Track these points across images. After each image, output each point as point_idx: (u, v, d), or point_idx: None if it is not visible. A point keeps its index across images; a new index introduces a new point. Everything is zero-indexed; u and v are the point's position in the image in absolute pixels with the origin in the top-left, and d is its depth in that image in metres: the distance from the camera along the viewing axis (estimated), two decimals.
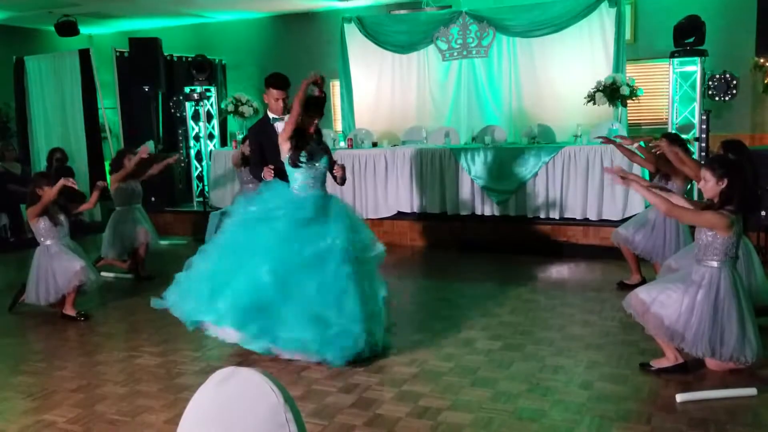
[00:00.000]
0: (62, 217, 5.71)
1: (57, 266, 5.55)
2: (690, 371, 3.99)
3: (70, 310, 5.60)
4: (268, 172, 4.79)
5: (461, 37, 9.20)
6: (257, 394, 1.42)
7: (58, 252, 5.60)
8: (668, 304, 3.89)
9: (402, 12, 9.94)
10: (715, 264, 3.83)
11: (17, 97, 10.39)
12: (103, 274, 6.57)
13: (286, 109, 4.98)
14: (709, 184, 3.87)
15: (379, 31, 9.69)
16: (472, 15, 9.12)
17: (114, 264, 7.05)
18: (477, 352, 4.51)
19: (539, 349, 4.54)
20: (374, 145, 8.88)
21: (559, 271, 6.80)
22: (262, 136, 5.03)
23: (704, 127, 7.70)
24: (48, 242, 5.63)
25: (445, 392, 3.88)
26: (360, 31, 9.75)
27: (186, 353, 4.68)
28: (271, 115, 5.11)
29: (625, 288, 5.65)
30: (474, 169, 7.96)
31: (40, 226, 5.61)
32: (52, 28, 10.86)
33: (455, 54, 9.31)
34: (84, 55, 9.72)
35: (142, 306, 5.97)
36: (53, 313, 5.70)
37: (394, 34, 9.61)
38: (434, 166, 8.17)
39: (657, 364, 4.05)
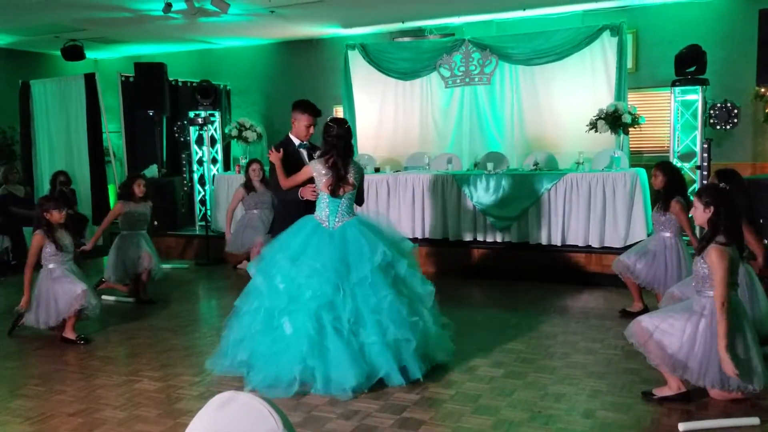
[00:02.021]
0: (68, 242, 5.70)
1: (58, 289, 5.53)
2: (692, 400, 3.96)
3: (70, 334, 5.58)
4: (309, 192, 4.83)
5: (464, 65, 9.28)
6: (256, 419, 1.42)
7: (60, 276, 5.59)
8: (671, 332, 3.87)
9: (405, 39, 10.04)
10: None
11: (22, 121, 10.46)
12: (104, 297, 6.57)
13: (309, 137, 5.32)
14: (697, 212, 3.95)
15: (382, 58, 9.78)
16: (475, 43, 9.21)
17: (115, 288, 7.04)
18: (479, 379, 4.47)
19: (541, 376, 4.51)
20: (377, 170, 8.91)
21: (561, 298, 6.77)
22: (287, 157, 5.11)
23: (705, 155, 7.73)
24: (51, 266, 5.62)
25: (445, 420, 3.84)
26: (363, 58, 9.84)
27: (186, 378, 4.65)
28: (296, 140, 5.26)
29: (628, 316, 5.63)
30: (476, 196, 7.98)
31: (45, 250, 5.61)
32: (59, 53, 10.99)
33: (458, 81, 9.38)
34: (89, 80, 9.81)
35: (143, 330, 5.97)
36: (53, 336, 5.68)
37: (398, 61, 9.70)
38: (436, 193, 8.19)
39: (659, 392, 4.02)
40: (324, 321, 4.31)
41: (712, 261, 3.77)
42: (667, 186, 5.67)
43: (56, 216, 5.60)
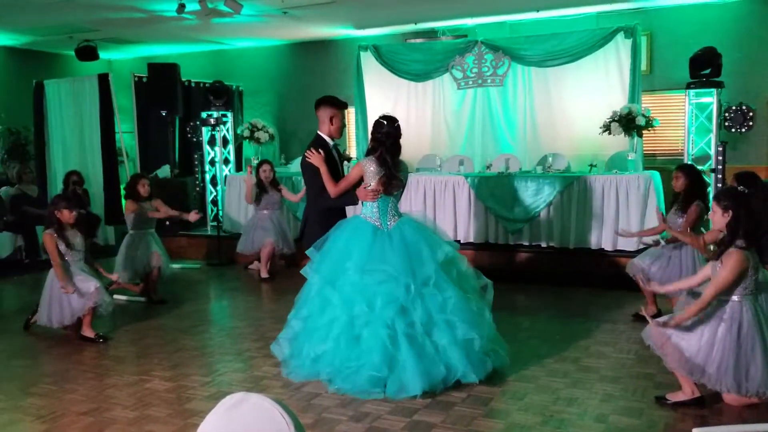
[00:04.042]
0: (78, 241, 5.73)
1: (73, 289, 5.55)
2: (707, 405, 3.91)
3: (88, 332, 5.61)
4: (371, 194, 4.57)
5: (476, 66, 9.25)
6: (267, 420, 1.41)
7: (72, 274, 5.61)
8: (688, 336, 3.83)
9: (418, 41, 10.03)
10: (735, 298, 3.78)
11: (36, 121, 10.52)
12: (115, 297, 6.58)
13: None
14: (716, 216, 3.91)
15: (394, 59, 9.77)
16: (488, 44, 9.18)
17: (127, 287, 7.06)
18: (490, 382, 4.44)
19: (553, 380, 4.47)
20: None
21: (573, 301, 6.72)
22: (328, 159, 4.85)
23: (720, 158, 7.66)
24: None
25: (456, 423, 3.82)
26: (376, 59, 9.83)
27: (196, 378, 4.65)
28: (329, 140, 5.02)
29: (641, 320, 5.58)
30: (488, 198, 7.94)
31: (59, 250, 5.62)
32: (72, 53, 11.05)
33: (470, 83, 9.35)
34: (103, 80, 9.86)
35: (154, 330, 5.98)
36: (66, 335, 5.70)
37: (410, 63, 9.69)
38: (448, 194, 8.15)
39: (673, 397, 3.98)
40: (398, 328, 4.25)
41: (731, 264, 3.72)
42: (689, 188, 5.63)
43: (66, 215, 5.62)
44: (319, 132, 5.05)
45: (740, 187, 4.54)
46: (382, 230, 4.55)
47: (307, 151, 4.83)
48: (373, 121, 4.69)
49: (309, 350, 4.47)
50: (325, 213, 4.88)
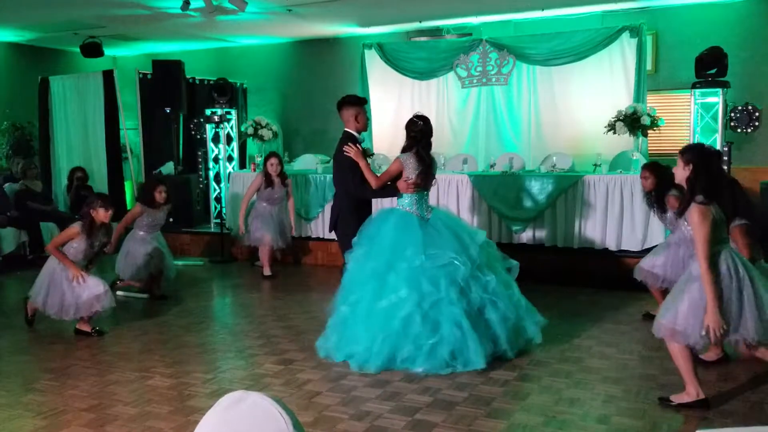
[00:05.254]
0: (99, 243, 5.67)
1: (82, 286, 5.48)
2: (711, 407, 3.89)
3: (84, 326, 5.61)
4: (411, 187, 4.92)
5: (481, 65, 9.23)
6: (266, 419, 1.39)
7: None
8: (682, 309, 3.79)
9: (422, 39, 10.01)
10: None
11: (41, 116, 10.53)
12: (117, 293, 6.57)
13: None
14: (678, 170, 3.90)
15: (399, 57, 9.75)
16: (493, 43, 9.15)
17: (131, 284, 7.05)
18: (492, 382, 4.43)
19: (555, 381, 4.45)
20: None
21: (576, 301, 6.70)
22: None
23: (726, 159, 7.62)
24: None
25: (458, 423, 3.80)
26: (380, 57, 9.82)
27: (198, 375, 4.65)
28: (357, 136, 5.36)
29: (650, 319, 5.62)
30: (491, 197, 7.91)
31: (74, 245, 5.55)
32: (78, 50, 11.06)
33: (474, 81, 9.33)
34: (108, 76, 9.86)
35: (156, 326, 5.98)
36: (68, 331, 5.70)
37: (414, 61, 9.67)
38: (451, 193, 8.13)
39: (677, 399, 3.95)
40: (461, 306, 4.57)
41: (694, 221, 3.69)
42: (659, 185, 5.66)
43: (102, 215, 5.54)
44: (347, 129, 5.38)
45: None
46: (424, 220, 4.90)
47: (345, 147, 5.17)
48: (407, 120, 5.03)
49: (367, 332, 4.63)
50: (359, 205, 5.28)
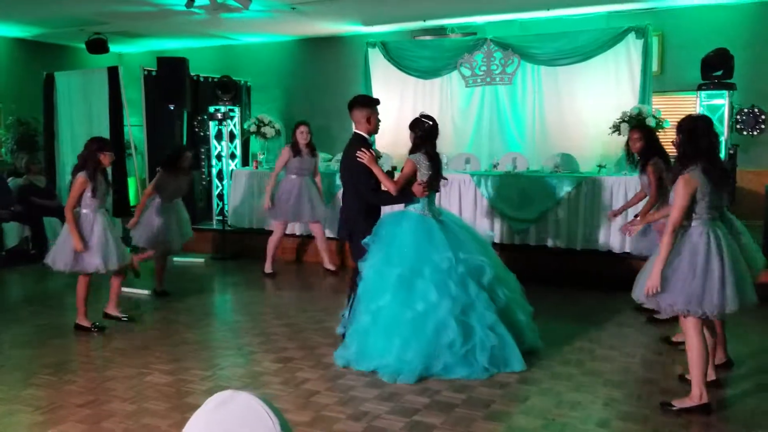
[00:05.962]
0: (104, 188, 5.56)
1: (110, 237, 5.51)
2: (713, 412, 3.85)
3: (84, 321, 5.61)
4: (425, 190, 4.77)
5: (485, 64, 9.20)
6: (254, 419, 1.38)
7: (107, 227, 5.54)
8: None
9: (426, 38, 9.98)
10: (694, 224, 3.80)
11: (46, 112, 10.54)
12: (124, 290, 6.56)
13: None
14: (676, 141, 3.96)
15: (402, 56, 9.72)
16: (497, 42, 9.12)
17: (146, 257, 6.99)
18: (492, 384, 4.39)
19: (556, 383, 4.42)
20: (393, 169, 8.84)
21: (578, 304, 6.66)
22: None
23: (731, 161, 7.57)
24: (85, 211, 5.50)
25: (456, 425, 3.77)
26: (384, 56, 9.79)
27: (196, 372, 4.63)
28: (368, 137, 5.17)
29: (654, 322, 5.75)
30: (494, 197, 7.88)
31: (87, 195, 5.46)
32: (83, 46, 11.07)
33: (479, 81, 9.30)
34: (112, 73, 9.85)
35: (156, 323, 5.97)
36: (68, 326, 5.70)
37: (418, 60, 9.64)
38: (453, 193, 8.09)
39: (680, 403, 3.91)
40: (492, 310, 4.55)
41: (676, 189, 3.78)
42: (645, 148, 5.69)
43: (109, 159, 5.54)
44: (357, 131, 5.13)
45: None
46: (440, 222, 4.79)
47: (359, 152, 4.87)
48: (412, 120, 4.90)
49: (395, 341, 4.45)
50: (369, 209, 5.01)
